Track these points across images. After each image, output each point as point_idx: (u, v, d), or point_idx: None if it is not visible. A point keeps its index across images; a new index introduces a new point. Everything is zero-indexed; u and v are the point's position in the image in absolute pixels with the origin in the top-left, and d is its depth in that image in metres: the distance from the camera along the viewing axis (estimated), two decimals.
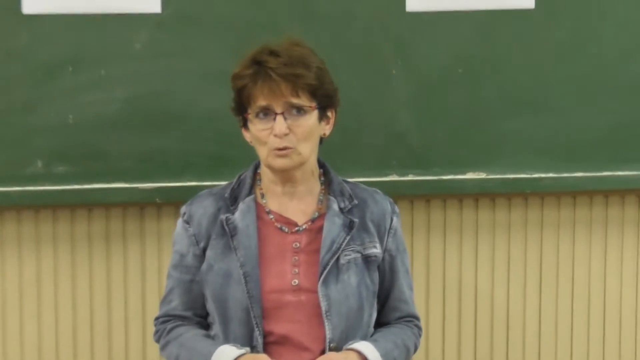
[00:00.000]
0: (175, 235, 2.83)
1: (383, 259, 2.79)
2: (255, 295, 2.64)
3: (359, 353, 2.65)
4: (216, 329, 2.75)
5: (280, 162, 2.66)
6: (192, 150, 3.26)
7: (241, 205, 2.74)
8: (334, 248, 2.69)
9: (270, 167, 2.72)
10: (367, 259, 2.75)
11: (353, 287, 2.70)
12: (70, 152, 3.24)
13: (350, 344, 2.66)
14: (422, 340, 3.28)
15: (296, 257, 2.70)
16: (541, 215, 3.53)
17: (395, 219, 2.86)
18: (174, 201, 3.01)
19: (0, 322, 3.36)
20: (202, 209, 2.78)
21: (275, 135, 2.63)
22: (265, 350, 2.66)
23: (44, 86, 3.21)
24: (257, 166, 2.82)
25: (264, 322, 2.65)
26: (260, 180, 2.81)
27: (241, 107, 2.72)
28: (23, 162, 3.22)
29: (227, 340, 2.68)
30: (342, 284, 2.69)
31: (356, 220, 2.75)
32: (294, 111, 2.65)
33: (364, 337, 2.73)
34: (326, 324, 2.66)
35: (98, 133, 3.24)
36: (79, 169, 3.25)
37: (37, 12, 3.18)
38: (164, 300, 2.83)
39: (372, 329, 2.79)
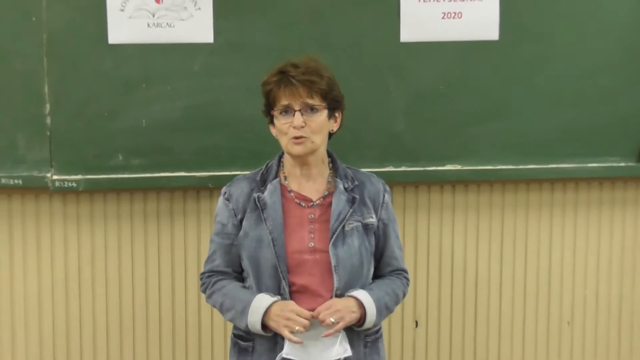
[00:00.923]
0: (217, 210, 2.84)
1: (378, 226, 2.80)
2: (281, 255, 2.67)
3: (355, 299, 2.68)
4: (250, 282, 2.76)
5: (297, 149, 2.68)
6: (236, 146, 3.30)
7: (269, 186, 2.76)
8: (340, 218, 2.71)
9: (289, 153, 2.73)
10: (366, 227, 2.76)
11: (355, 248, 2.72)
12: (143, 148, 3.30)
13: (350, 292, 2.69)
14: (411, 292, 3.45)
15: (312, 226, 2.72)
16: (502, 198, 3.56)
17: (386, 195, 2.85)
18: (222, 186, 2.87)
19: (90, 277, 3.39)
20: (239, 189, 2.80)
21: (294, 127, 2.66)
22: (290, 297, 2.69)
23: (124, 98, 3.27)
24: (281, 156, 2.83)
25: (289, 276, 2.68)
26: (283, 166, 2.81)
27: (268, 106, 2.75)
28: (108, 156, 3.28)
29: (259, 290, 2.70)
30: (347, 245, 2.71)
31: (357, 197, 2.77)
32: (309, 109, 2.68)
33: (363, 287, 2.74)
34: (335, 276, 2.68)
35: (164, 134, 3.30)
36: (149, 161, 3.31)
37: (119, 42, 3.24)
38: (208, 260, 2.85)
39: (370, 280, 2.79)
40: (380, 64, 3.37)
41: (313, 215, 2.75)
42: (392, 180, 3.26)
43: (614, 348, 3.70)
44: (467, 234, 3.58)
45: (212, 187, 3.29)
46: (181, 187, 3.38)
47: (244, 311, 2.67)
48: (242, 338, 2.77)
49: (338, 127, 2.82)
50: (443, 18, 3.38)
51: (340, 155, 2.88)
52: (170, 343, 3.48)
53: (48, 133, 3.25)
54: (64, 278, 3.39)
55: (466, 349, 3.63)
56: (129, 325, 3.44)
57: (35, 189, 3.29)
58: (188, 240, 3.43)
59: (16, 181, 3.23)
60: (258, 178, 2.81)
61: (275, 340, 2.70)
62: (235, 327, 2.81)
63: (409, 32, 3.37)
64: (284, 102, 2.68)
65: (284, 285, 2.67)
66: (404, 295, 2.90)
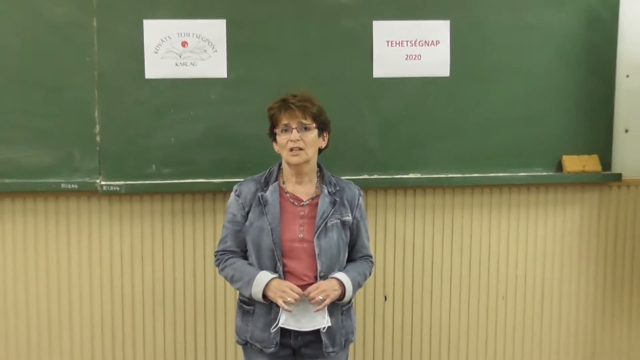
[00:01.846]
0: (229, 202, 2.86)
1: (352, 223, 2.85)
2: (278, 242, 2.72)
3: (337, 280, 2.74)
4: (252, 260, 2.80)
5: (294, 159, 2.74)
6: (244, 159, 3.29)
7: (270, 187, 2.80)
8: (324, 216, 2.76)
9: (288, 163, 2.77)
10: (343, 223, 2.81)
11: (334, 240, 2.78)
12: (172, 161, 3.31)
13: (332, 274, 2.75)
14: (381, 273, 3.54)
15: (302, 220, 2.77)
16: (453, 200, 3.58)
17: (360, 199, 2.89)
18: None
19: (130, 260, 3.40)
20: (247, 188, 2.83)
21: (291, 141, 2.72)
22: (282, 276, 2.73)
23: (157, 121, 3.28)
24: (280, 164, 2.86)
25: (283, 259, 2.73)
26: (282, 172, 2.84)
27: (272, 126, 2.80)
28: (144, 166, 3.30)
29: (260, 268, 2.74)
30: (328, 238, 2.76)
31: (338, 199, 2.81)
32: (303, 128, 2.74)
33: (341, 269, 2.79)
34: (318, 262, 2.74)
35: (188, 149, 3.30)
36: (177, 171, 3.31)
37: (153, 77, 3.26)
38: (221, 242, 2.87)
39: (344, 264, 2.84)
40: (357, 94, 3.38)
41: (303, 212, 2.79)
42: (366, 186, 3.35)
43: (538, 316, 3.71)
44: (424, 228, 3.57)
45: (225, 190, 3.27)
46: (201, 191, 3.38)
47: (249, 283, 2.73)
48: (246, 303, 2.83)
49: (326, 145, 2.86)
50: (406, 59, 3.40)
51: (325, 165, 2.91)
52: (193, 305, 3.47)
53: (97, 148, 3.26)
54: (109, 261, 3.40)
55: (424, 318, 3.62)
56: (160, 294, 3.44)
57: (88, 192, 3.31)
58: (206, 231, 3.43)
59: (73, 186, 3.25)
60: (262, 180, 2.84)
61: (270, 307, 2.75)
62: (240, 294, 2.86)
63: (380, 70, 3.38)
64: (284, 122, 2.75)
65: (278, 265, 2.73)
66: (370, 274, 2.94)
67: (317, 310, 2.69)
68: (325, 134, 2.85)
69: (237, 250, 2.86)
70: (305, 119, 2.75)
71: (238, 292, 2.88)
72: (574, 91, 3.51)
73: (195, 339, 3.50)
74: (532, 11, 3.46)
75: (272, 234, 2.74)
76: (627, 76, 3.61)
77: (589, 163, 3.53)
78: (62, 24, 3.21)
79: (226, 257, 2.86)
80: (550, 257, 3.68)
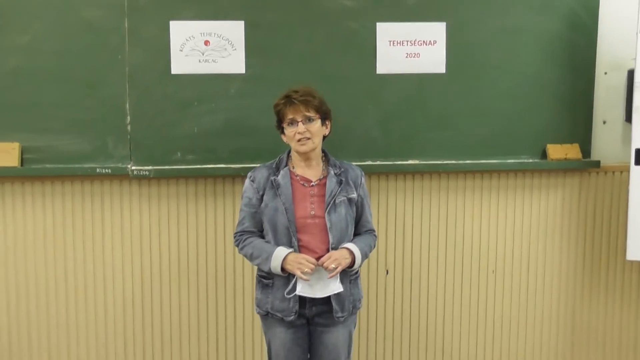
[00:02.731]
0: (245, 188, 2.87)
1: (357, 200, 2.87)
2: (292, 219, 2.74)
3: (348, 249, 2.77)
4: (269, 238, 2.80)
5: (302, 148, 2.77)
6: (260, 147, 3.27)
7: (281, 172, 2.82)
8: (332, 194, 2.79)
9: (297, 152, 2.80)
10: (349, 200, 2.83)
11: (343, 215, 2.80)
12: (195, 148, 3.29)
13: (342, 245, 2.77)
14: (383, 249, 3.55)
15: (312, 199, 2.79)
16: (447, 184, 3.55)
17: (363, 178, 2.91)
18: None
19: (158, 237, 3.38)
20: (260, 174, 2.85)
21: (299, 133, 2.75)
22: (297, 250, 2.75)
23: (181, 113, 3.26)
24: (289, 152, 2.88)
25: (297, 234, 2.75)
26: (291, 159, 2.87)
27: (279, 121, 2.82)
28: (170, 153, 3.28)
29: (277, 244, 2.76)
30: (337, 213, 2.79)
31: (343, 179, 2.83)
32: (308, 120, 2.76)
33: (349, 241, 2.81)
34: (330, 235, 2.76)
35: (210, 138, 3.29)
36: (200, 157, 3.30)
37: (179, 72, 3.24)
38: (239, 224, 2.88)
39: (351, 237, 2.85)
40: (361, 89, 3.37)
41: (313, 192, 2.81)
42: (369, 171, 3.36)
43: (524, 287, 3.69)
44: (422, 209, 3.56)
45: (243, 175, 3.12)
46: (222, 175, 3.37)
47: (268, 258, 2.74)
48: (265, 277, 2.85)
49: (329, 131, 2.88)
50: (406, 57, 3.38)
51: (333, 152, 2.93)
52: (214, 277, 3.46)
53: (128, 137, 3.25)
54: (139, 238, 3.40)
55: (422, 290, 3.62)
56: (185, 267, 3.43)
57: (120, 176, 3.31)
58: (226, 211, 3.42)
59: (107, 170, 3.25)
60: (274, 166, 2.86)
61: (288, 279, 2.77)
62: (259, 270, 2.88)
63: (382, 67, 3.36)
64: (290, 116, 2.76)
65: (294, 240, 2.75)
66: (374, 246, 2.96)
67: (331, 277, 2.71)
68: (327, 122, 2.86)
69: (254, 231, 2.87)
70: (309, 111, 2.76)
71: (256, 267, 2.89)
72: (557, 87, 3.50)
73: (216, 309, 3.51)
74: (520, 15, 3.45)
75: (286, 213, 2.75)
76: (605, 73, 3.61)
77: (571, 151, 3.53)
78: (96, 27, 3.21)
79: (245, 237, 2.87)
80: (535, 236, 3.68)
